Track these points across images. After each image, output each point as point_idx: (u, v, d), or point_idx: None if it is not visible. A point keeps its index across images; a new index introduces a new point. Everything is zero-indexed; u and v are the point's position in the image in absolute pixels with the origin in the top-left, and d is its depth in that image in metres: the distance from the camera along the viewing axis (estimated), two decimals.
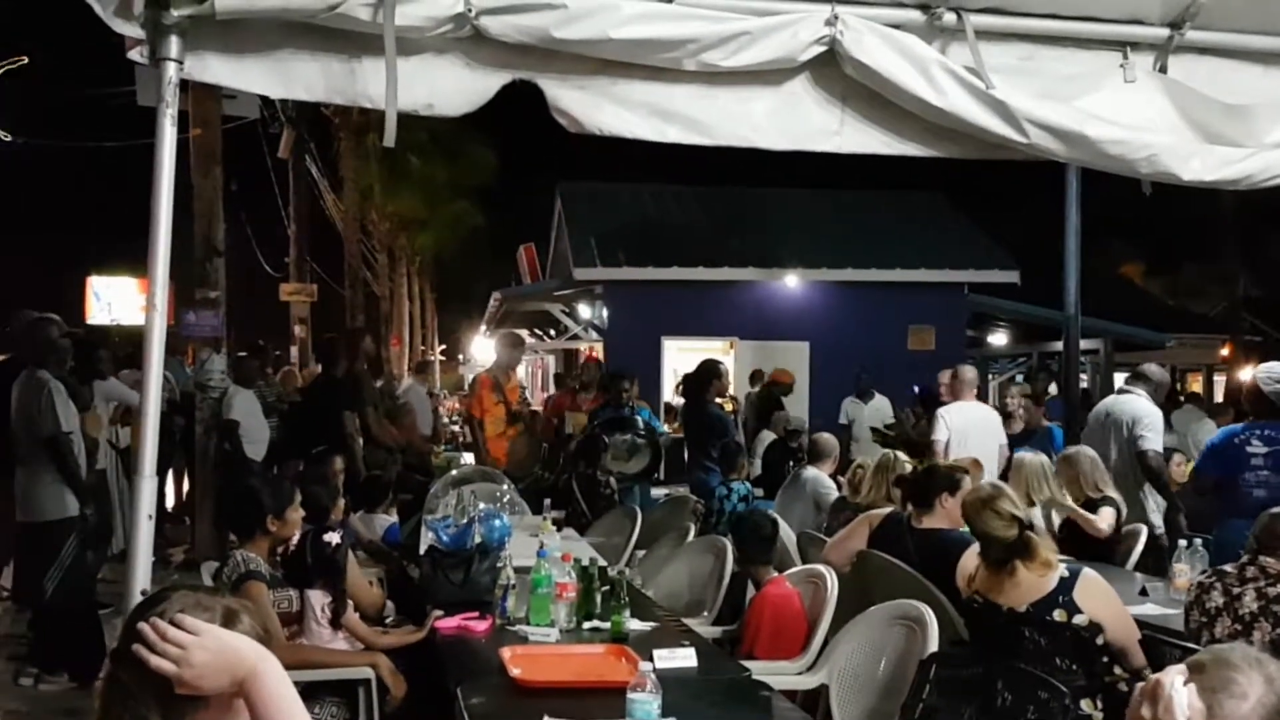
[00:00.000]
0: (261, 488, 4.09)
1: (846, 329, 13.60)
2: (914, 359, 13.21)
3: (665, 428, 12.55)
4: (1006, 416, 7.87)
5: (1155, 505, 5.99)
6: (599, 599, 3.77)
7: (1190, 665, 1.67)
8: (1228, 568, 3.53)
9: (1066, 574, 3.45)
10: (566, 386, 11.87)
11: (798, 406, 13.41)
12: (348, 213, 20.87)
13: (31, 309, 6.61)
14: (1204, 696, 1.61)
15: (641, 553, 5.94)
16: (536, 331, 20.71)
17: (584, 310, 16.52)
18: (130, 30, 2.62)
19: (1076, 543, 5.07)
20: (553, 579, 3.74)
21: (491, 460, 7.88)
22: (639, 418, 8.10)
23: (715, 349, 13.67)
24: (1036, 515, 5.03)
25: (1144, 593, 4.41)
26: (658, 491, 8.72)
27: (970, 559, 3.71)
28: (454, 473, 6.53)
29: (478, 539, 4.21)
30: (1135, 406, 6.07)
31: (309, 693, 3.58)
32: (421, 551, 4.57)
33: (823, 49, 2.90)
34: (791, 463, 9.12)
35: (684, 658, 3.22)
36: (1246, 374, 5.50)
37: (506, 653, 3.23)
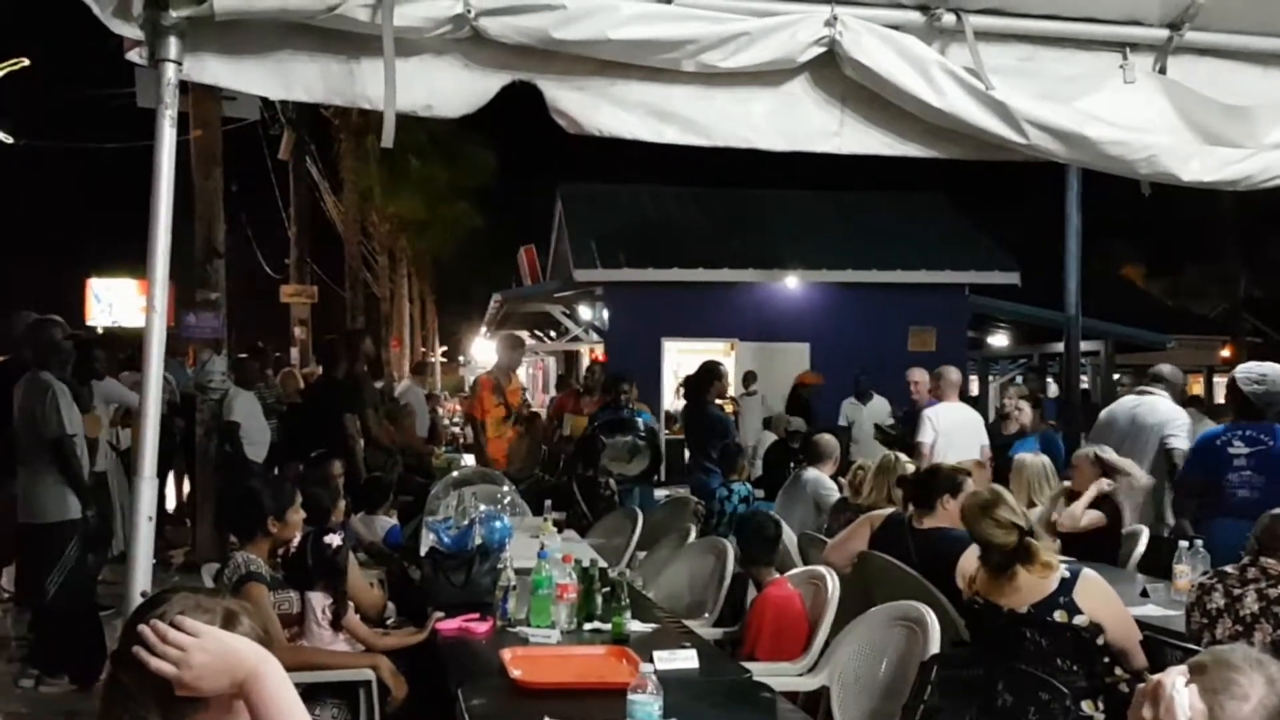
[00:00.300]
0: (262, 489, 4.09)
1: (847, 330, 13.61)
2: (915, 360, 13.20)
3: (664, 432, 12.57)
4: (1004, 418, 7.90)
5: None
6: (600, 600, 3.77)
7: (1191, 666, 1.67)
8: (1229, 569, 3.52)
9: (1067, 575, 3.45)
10: (569, 388, 11.87)
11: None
12: (348, 214, 20.88)
13: (32, 310, 6.61)
14: (1205, 697, 1.61)
15: (642, 554, 5.94)
16: (537, 333, 20.72)
17: (584, 312, 16.52)
18: (129, 31, 2.62)
19: (1076, 542, 5.06)
20: (553, 580, 3.74)
21: (492, 461, 7.88)
22: (639, 420, 8.10)
23: (716, 350, 13.68)
24: (1035, 516, 5.02)
25: (1145, 594, 4.40)
26: (660, 492, 8.72)
27: (970, 559, 3.71)
28: (455, 474, 6.53)
29: (478, 540, 4.21)
30: (1164, 408, 6.03)
31: (310, 694, 3.58)
32: (422, 553, 4.57)
33: (822, 50, 2.90)
34: (792, 464, 9.12)
35: (685, 659, 3.22)
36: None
37: (507, 654, 3.23)
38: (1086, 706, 3.36)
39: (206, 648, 1.59)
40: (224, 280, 8.81)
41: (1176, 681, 1.62)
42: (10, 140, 16.39)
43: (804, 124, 3.05)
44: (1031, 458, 5.84)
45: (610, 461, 7.60)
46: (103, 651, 5.24)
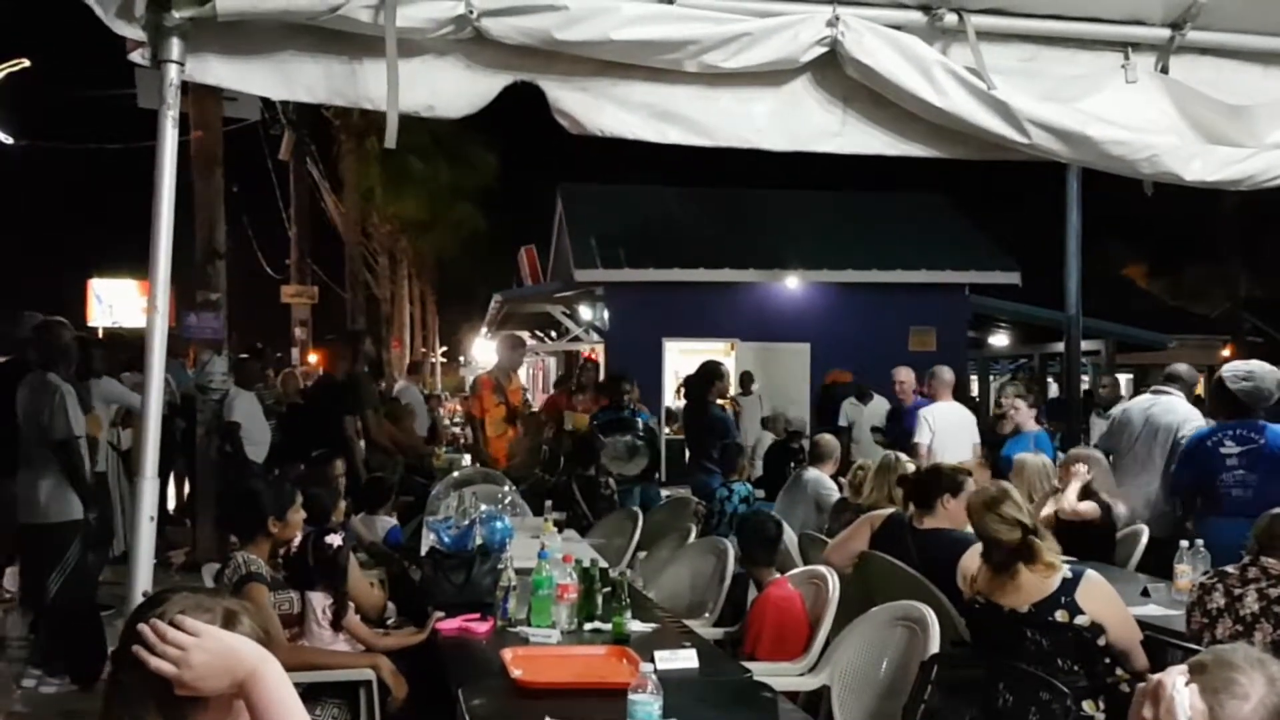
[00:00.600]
0: (263, 490, 4.10)
1: (847, 330, 13.60)
2: (915, 360, 13.20)
3: (666, 430, 12.58)
4: (1000, 418, 7.89)
5: None
6: (600, 600, 3.77)
7: (1192, 666, 1.67)
8: (1229, 569, 3.52)
9: (1069, 575, 3.45)
10: (563, 387, 11.87)
11: (798, 408, 13.42)
12: (348, 215, 20.88)
13: (35, 312, 6.61)
14: (1206, 697, 1.61)
15: (643, 554, 5.94)
16: (538, 333, 20.71)
17: (585, 312, 16.52)
18: (131, 32, 2.62)
19: (1075, 543, 5.06)
20: (554, 580, 3.74)
21: (492, 461, 7.88)
22: (638, 419, 8.10)
23: (716, 350, 13.67)
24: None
25: (1146, 593, 4.40)
26: (662, 492, 8.72)
27: (972, 559, 3.71)
28: (455, 474, 6.55)
29: (479, 540, 4.21)
30: (1181, 408, 6.00)
31: (310, 694, 3.58)
32: (423, 553, 4.57)
33: (824, 50, 2.90)
34: (792, 464, 9.11)
35: (685, 659, 3.22)
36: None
37: (508, 654, 3.22)
38: (1087, 706, 3.36)
39: (206, 647, 1.59)
40: (225, 281, 8.82)
41: (1177, 681, 1.62)
42: (11, 141, 16.40)
43: (806, 124, 3.05)
44: (1032, 458, 5.84)
45: (609, 461, 7.61)
46: (104, 651, 5.24)
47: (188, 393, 9.04)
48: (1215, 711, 1.60)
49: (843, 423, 10.56)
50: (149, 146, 2.69)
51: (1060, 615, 3.40)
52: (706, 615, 4.74)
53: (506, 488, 5.89)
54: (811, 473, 6.92)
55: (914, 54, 2.91)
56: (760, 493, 7.75)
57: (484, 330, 23.40)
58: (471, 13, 2.67)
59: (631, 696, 2.50)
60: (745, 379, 13.05)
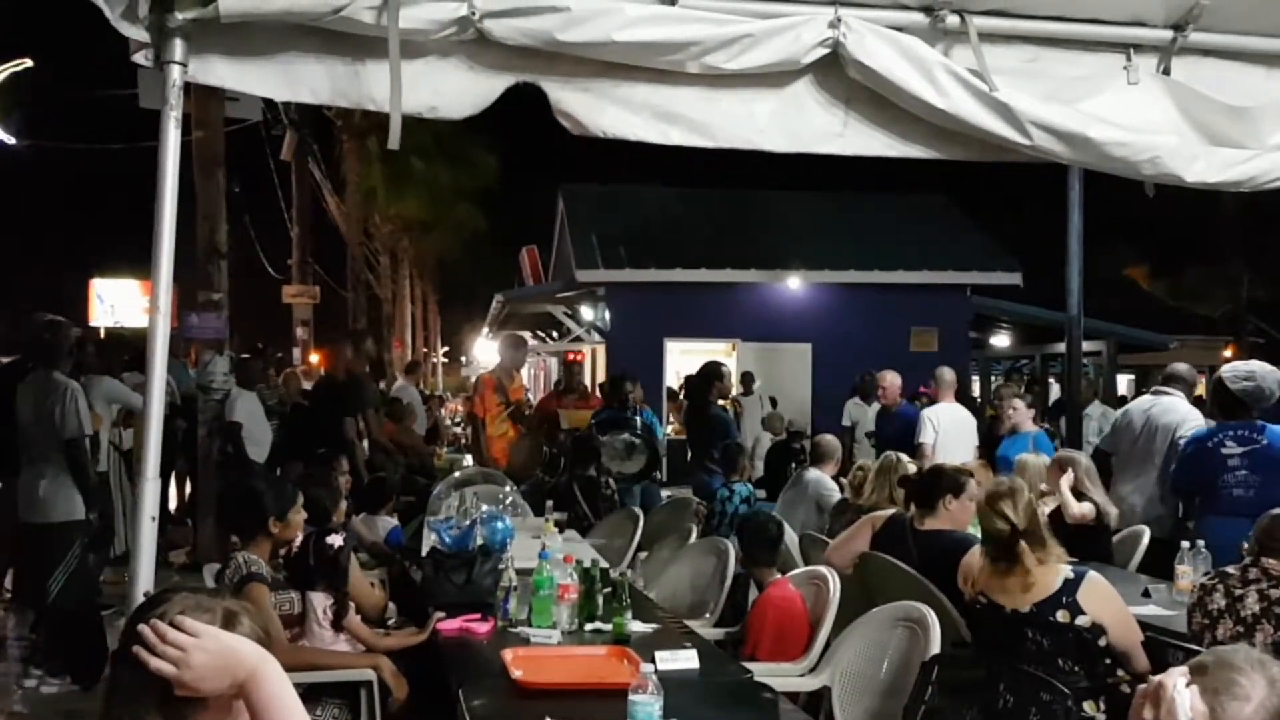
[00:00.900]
0: (263, 490, 4.09)
1: (849, 331, 13.60)
2: (916, 361, 13.21)
3: (669, 429, 12.56)
4: (995, 418, 7.90)
5: None
6: (601, 601, 3.77)
7: (1193, 667, 1.67)
8: (1230, 569, 3.52)
9: (1071, 576, 3.45)
10: (551, 390, 11.87)
11: (799, 408, 13.43)
12: (350, 215, 20.90)
13: (35, 311, 6.60)
14: (1206, 698, 1.61)
15: (644, 554, 5.94)
16: (539, 333, 20.72)
17: (586, 312, 16.52)
18: (135, 33, 2.62)
19: (1073, 544, 5.05)
20: (555, 581, 3.74)
21: (492, 461, 7.88)
22: (638, 419, 8.10)
23: (718, 351, 13.68)
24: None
25: (1147, 594, 4.40)
26: (663, 492, 8.72)
27: (973, 559, 3.71)
28: (456, 474, 6.55)
29: (480, 541, 4.22)
30: (1181, 408, 5.99)
31: (310, 694, 3.58)
32: (424, 553, 4.57)
33: (826, 51, 2.90)
34: (793, 464, 9.11)
35: (686, 659, 3.22)
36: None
37: (508, 654, 3.23)
38: (1088, 707, 3.36)
39: (206, 647, 1.59)
40: (226, 281, 8.82)
41: (1178, 682, 1.62)
42: (14, 141, 16.42)
43: (808, 125, 3.05)
44: (1034, 458, 5.84)
45: (608, 460, 7.61)
46: (104, 651, 5.25)
47: (189, 393, 9.04)
48: (1216, 713, 1.60)
49: (846, 423, 10.58)
50: (151, 147, 2.69)
51: (1061, 616, 3.39)
52: (707, 616, 4.74)
53: (507, 488, 5.89)
54: (812, 473, 6.92)
55: (916, 55, 2.91)
56: (761, 493, 7.75)
57: (485, 330, 23.41)
58: (474, 14, 2.68)
59: (632, 697, 2.50)
60: (746, 379, 13.05)
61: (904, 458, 5.84)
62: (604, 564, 4.13)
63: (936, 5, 2.95)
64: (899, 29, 2.94)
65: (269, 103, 15.10)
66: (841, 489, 6.61)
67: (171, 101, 2.66)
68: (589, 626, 3.73)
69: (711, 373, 8.84)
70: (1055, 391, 16.54)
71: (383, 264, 25.49)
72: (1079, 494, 5.20)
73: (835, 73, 2.98)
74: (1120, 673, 3.45)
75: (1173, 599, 4.28)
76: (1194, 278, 26.20)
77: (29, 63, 15.63)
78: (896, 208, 16.23)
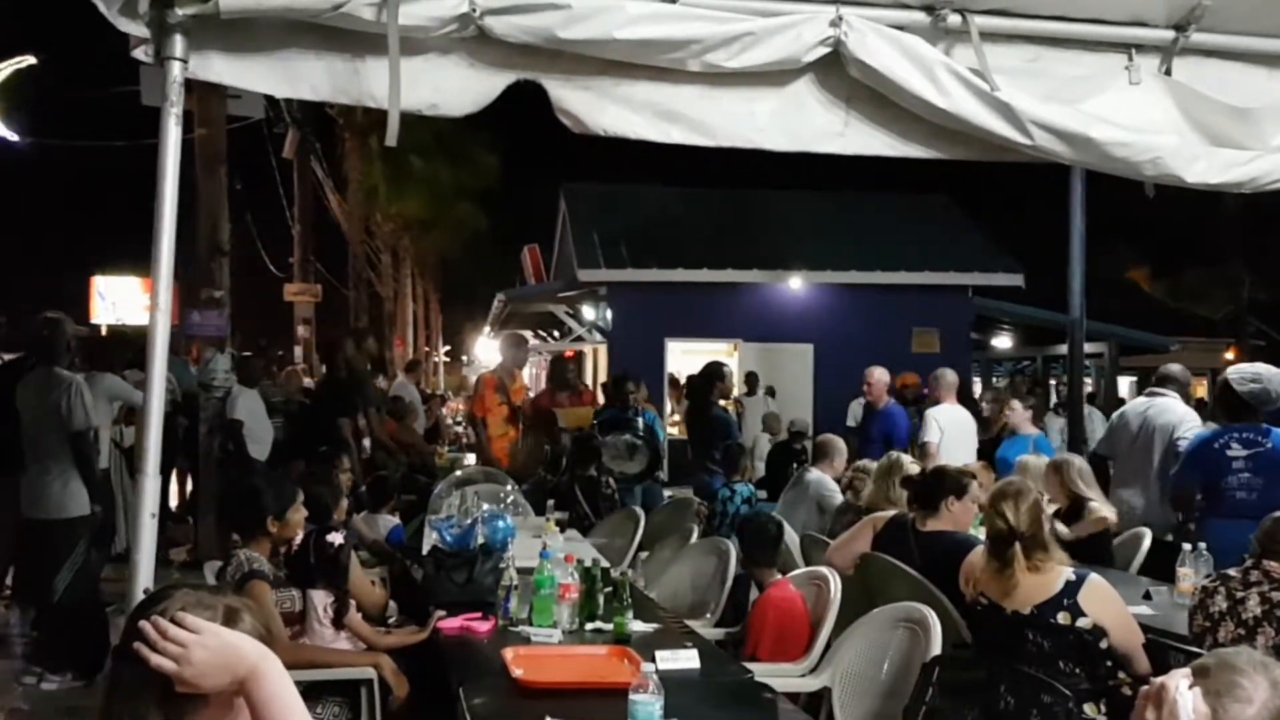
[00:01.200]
0: (264, 488, 4.09)
1: (850, 331, 13.57)
2: (918, 362, 13.20)
3: (673, 430, 12.55)
4: (987, 419, 7.89)
5: None
6: (602, 600, 3.77)
7: (1195, 669, 1.66)
8: (1231, 572, 3.52)
9: (1073, 577, 3.44)
10: (545, 389, 11.85)
11: (801, 409, 13.41)
12: (352, 213, 20.90)
13: (36, 309, 6.61)
14: (1209, 700, 1.61)
15: (645, 554, 5.93)
16: (540, 333, 20.72)
17: (588, 311, 16.52)
18: (135, 29, 2.62)
19: (1072, 546, 5.04)
20: (555, 580, 3.74)
21: (494, 459, 7.88)
22: (639, 419, 8.09)
23: (719, 351, 13.66)
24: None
25: (1148, 596, 4.39)
26: (664, 492, 8.71)
27: (975, 560, 3.71)
28: (458, 473, 6.55)
29: (481, 540, 4.22)
30: (1177, 409, 5.98)
31: (311, 692, 3.58)
32: (425, 552, 4.57)
33: (827, 50, 2.90)
34: (795, 465, 9.10)
35: (686, 659, 3.22)
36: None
37: (509, 653, 3.22)
38: (1089, 709, 3.35)
39: (207, 644, 1.59)
40: (228, 278, 8.82)
41: (1180, 684, 1.62)
42: (15, 138, 16.43)
43: (809, 124, 3.05)
44: (1035, 459, 5.83)
45: (610, 459, 7.61)
46: (106, 648, 5.25)
47: (190, 390, 9.04)
48: (1218, 715, 1.60)
49: (850, 423, 10.55)
50: (152, 144, 2.69)
51: (1062, 617, 3.39)
52: (708, 616, 4.74)
53: (509, 487, 5.89)
54: (814, 474, 6.91)
55: (917, 54, 2.91)
56: (762, 493, 7.74)
57: (487, 329, 23.41)
58: (474, 11, 2.68)
59: (632, 696, 2.50)
60: (750, 379, 13.02)
61: (905, 458, 5.83)
62: (605, 563, 4.13)
63: (938, 4, 2.95)
64: (900, 28, 2.94)
65: (271, 100, 15.10)
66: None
67: (172, 98, 2.66)
68: (590, 626, 3.73)
69: (713, 373, 8.84)
70: (1053, 395, 16.52)
71: (384, 262, 25.51)
72: (1079, 497, 5.20)
73: (836, 72, 2.98)
74: (1121, 675, 3.44)
75: (1174, 601, 4.27)
76: (1194, 279, 26.18)
77: (32, 60, 15.65)
78: (897, 208, 16.20)
